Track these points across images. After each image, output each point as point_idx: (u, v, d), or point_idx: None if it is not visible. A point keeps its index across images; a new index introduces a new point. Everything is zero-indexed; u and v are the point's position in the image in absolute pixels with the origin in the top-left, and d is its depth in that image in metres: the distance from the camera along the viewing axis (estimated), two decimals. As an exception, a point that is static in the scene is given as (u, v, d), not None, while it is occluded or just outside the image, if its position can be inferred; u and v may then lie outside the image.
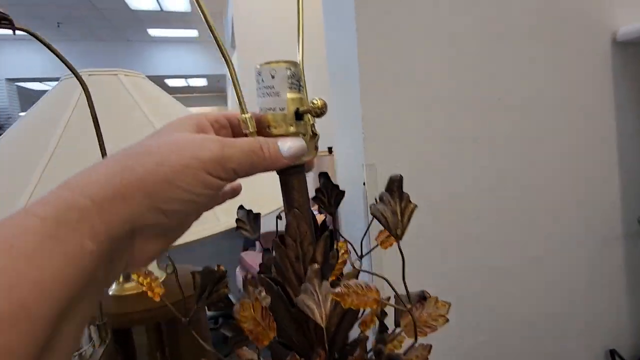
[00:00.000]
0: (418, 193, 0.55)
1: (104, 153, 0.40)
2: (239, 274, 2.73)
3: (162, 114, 0.59)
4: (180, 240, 0.45)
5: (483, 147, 0.57)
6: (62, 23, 5.55)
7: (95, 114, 0.39)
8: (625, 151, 0.64)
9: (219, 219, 0.49)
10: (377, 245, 0.36)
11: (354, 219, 0.56)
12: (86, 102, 0.56)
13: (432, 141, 0.55)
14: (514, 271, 0.61)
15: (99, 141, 0.40)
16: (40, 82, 7.03)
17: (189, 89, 9.55)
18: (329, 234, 0.32)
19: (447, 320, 0.27)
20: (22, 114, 7.02)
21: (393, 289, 0.27)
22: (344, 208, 0.60)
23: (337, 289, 0.26)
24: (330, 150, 2.06)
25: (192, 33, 6.45)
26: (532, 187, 0.61)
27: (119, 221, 0.18)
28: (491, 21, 0.55)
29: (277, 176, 0.30)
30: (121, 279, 0.68)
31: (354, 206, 0.57)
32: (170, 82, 8.17)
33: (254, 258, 2.73)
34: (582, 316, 0.66)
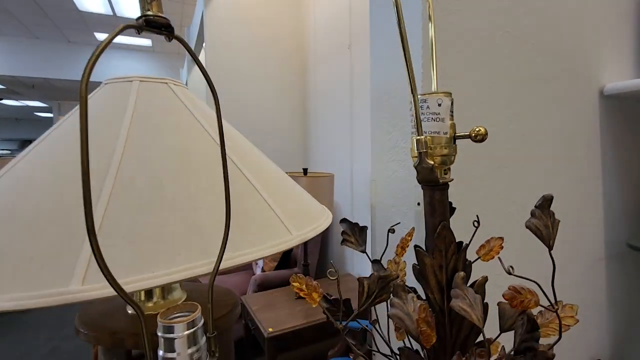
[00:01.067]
0: (458, 213, 0.61)
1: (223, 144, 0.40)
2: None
3: (206, 117, 0.60)
4: (266, 253, 0.45)
5: (510, 175, 0.65)
6: (-8, 15, 4.97)
7: (221, 118, 0.39)
8: (609, 185, 0.78)
9: (291, 233, 0.50)
10: (477, 259, 0.41)
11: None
12: (142, 108, 0.54)
13: (473, 168, 0.62)
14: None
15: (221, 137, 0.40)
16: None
17: (133, 99, 8.96)
18: (465, 247, 0.35)
19: (577, 320, 0.32)
20: None
21: (544, 293, 0.32)
22: (380, 218, 0.65)
23: (505, 292, 0.30)
24: (305, 171, 2.09)
25: (146, 42, 6.18)
26: (525, 211, 0.70)
27: None
28: (522, 67, 0.65)
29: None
30: (142, 297, 0.64)
31: (405, 225, 0.61)
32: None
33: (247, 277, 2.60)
34: (571, 330, 0.76)
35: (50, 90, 7.62)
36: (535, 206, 0.31)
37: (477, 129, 0.32)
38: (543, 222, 0.30)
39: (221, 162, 0.55)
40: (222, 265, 0.40)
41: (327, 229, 2.83)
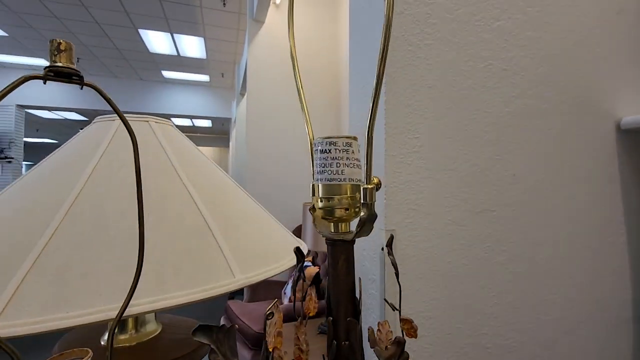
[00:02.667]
0: (433, 262, 0.55)
1: (140, 194, 0.40)
2: (223, 323, 2.59)
3: (185, 162, 0.61)
4: (196, 297, 0.44)
5: (498, 220, 0.58)
6: (82, 58, 5.82)
7: (139, 162, 0.39)
8: (636, 231, 0.65)
9: (234, 276, 0.48)
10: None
11: (368, 281, 0.56)
12: (114, 146, 0.58)
13: (451, 211, 0.56)
14: (527, 351, 0.59)
15: (137, 185, 0.41)
16: (48, 110, 7.19)
17: (193, 129, 9.79)
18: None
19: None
20: (25, 139, 7.09)
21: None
22: (361, 270, 0.60)
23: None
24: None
25: (204, 78, 6.77)
26: (543, 264, 0.61)
27: None
28: (509, 100, 0.59)
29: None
30: (115, 330, 0.65)
31: (369, 268, 0.56)
32: (176, 121, 8.39)
33: (240, 307, 2.61)
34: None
35: (124, 122, 8.56)
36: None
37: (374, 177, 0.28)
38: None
39: (180, 197, 0.56)
40: (140, 310, 0.40)
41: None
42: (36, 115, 7.79)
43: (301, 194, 2.84)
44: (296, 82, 0.30)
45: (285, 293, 2.62)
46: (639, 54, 0.67)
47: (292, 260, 0.59)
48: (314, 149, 0.30)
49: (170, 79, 6.91)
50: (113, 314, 0.38)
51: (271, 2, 2.68)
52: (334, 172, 0.28)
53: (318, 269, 2.49)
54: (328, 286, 0.28)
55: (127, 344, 0.60)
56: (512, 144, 0.60)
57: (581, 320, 0.63)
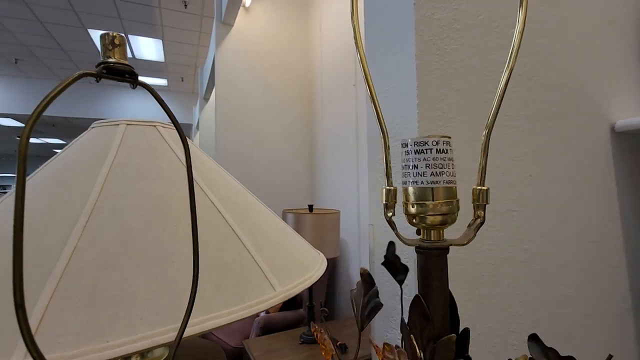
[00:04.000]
0: (462, 263, 0.56)
1: (192, 199, 0.37)
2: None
3: (199, 167, 0.57)
4: (242, 315, 0.41)
5: (519, 220, 0.60)
6: (20, 60, 5.31)
7: (190, 164, 0.36)
8: (631, 228, 0.71)
9: (274, 289, 0.46)
10: None
11: (402, 286, 0.55)
12: (125, 153, 0.52)
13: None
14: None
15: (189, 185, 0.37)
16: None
17: (148, 135, 9.29)
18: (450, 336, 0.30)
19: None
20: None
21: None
22: (378, 265, 0.59)
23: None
24: (310, 207, 2.05)
25: (162, 82, 6.46)
26: (557, 261, 0.64)
27: None
28: (525, 104, 0.62)
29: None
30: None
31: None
32: (130, 127, 7.92)
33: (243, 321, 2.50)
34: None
35: (69, 129, 7.94)
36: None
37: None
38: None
39: (204, 208, 0.51)
40: (189, 333, 0.36)
41: (335, 266, 2.73)
42: (-36, 122, 6.97)
43: (279, 199, 2.79)
44: (363, 70, 0.29)
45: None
46: (630, 60, 0.74)
47: (320, 269, 0.57)
48: (404, 149, 0.29)
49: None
50: (162, 338, 0.34)
51: (241, 5, 2.62)
52: (432, 175, 0.27)
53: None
54: (415, 300, 0.27)
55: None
56: (529, 146, 0.63)
57: (590, 313, 0.67)
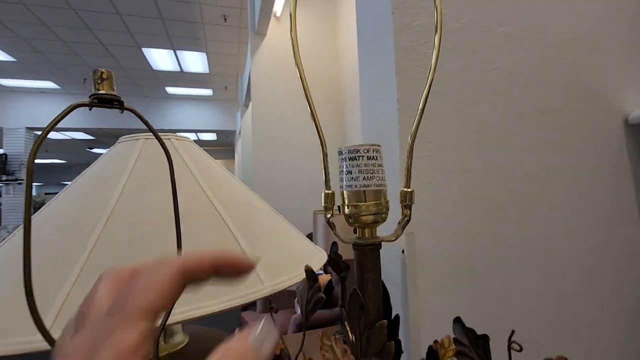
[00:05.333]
0: (454, 259, 0.57)
1: (176, 211, 0.42)
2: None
3: (207, 176, 0.63)
4: (229, 304, 0.46)
5: (513, 218, 0.60)
6: (88, 79, 5.94)
7: (174, 178, 0.42)
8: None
9: (262, 282, 0.50)
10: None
11: (390, 283, 0.57)
12: (142, 165, 0.60)
13: (466, 211, 0.58)
14: (552, 345, 0.60)
15: (174, 200, 0.43)
16: (57, 131, 7.33)
17: (198, 143, 9.89)
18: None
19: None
20: (36, 160, 7.22)
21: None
22: (383, 273, 0.61)
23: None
24: (340, 209, 2.08)
25: (207, 92, 6.87)
26: (560, 258, 0.62)
27: None
28: (517, 101, 0.61)
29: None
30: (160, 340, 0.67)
31: (390, 270, 0.58)
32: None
33: (253, 317, 2.62)
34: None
35: (130, 139, 8.70)
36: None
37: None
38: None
39: (204, 207, 0.58)
40: (177, 319, 0.42)
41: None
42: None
43: (310, 201, 2.86)
44: (305, 91, 0.33)
45: (298, 303, 2.62)
46: (642, 49, 0.69)
47: (317, 265, 0.61)
48: (340, 157, 0.32)
49: (173, 95, 7.01)
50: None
51: (272, 15, 2.73)
52: (364, 179, 0.30)
53: (330, 277, 2.50)
54: (353, 292, 0.30)
55: (163, 353, 0.62)
56: (524, 143, 0.61)
57: (601, 312, 0.64)
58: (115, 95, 0.35)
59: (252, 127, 2.85)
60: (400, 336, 0.56)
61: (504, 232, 0.59)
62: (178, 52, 5.11)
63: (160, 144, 0.43)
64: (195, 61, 5.44)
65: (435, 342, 0.31)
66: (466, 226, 0.58)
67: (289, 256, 0.59)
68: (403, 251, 0.55)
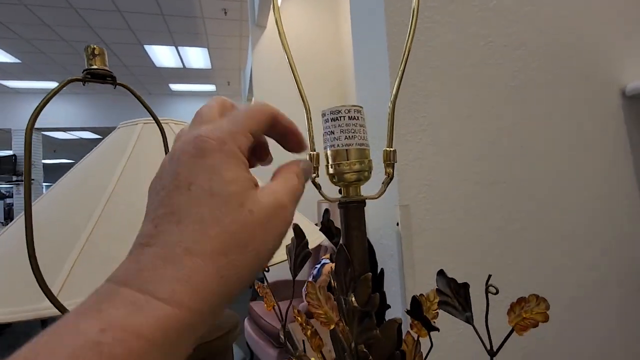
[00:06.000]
0: (449, 234, 0.58)
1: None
2: (247, 324, 2.63)
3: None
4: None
5: (509, 190, 0.60)
6: (92, 78, 5.99)
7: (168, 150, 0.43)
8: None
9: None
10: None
11: (387, 257, 0.58)
12: (140, 147, 0.62)
13: (461, 183, 0.59)
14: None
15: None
16: (64, 131, 7.42)
17: (203, 139, 9.94)
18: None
19: (547, 317, 0.27)
20: (44, 161, 7.35)
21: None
22: (379, 248, 0.62)
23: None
24: (344, 197, 2.09)
25: (210, 88, 6.88)
26: (558, 230, 0.63)
27: (220, 307, 0.17)
28: (513, 75, 0.61)
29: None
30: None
31: (386, 244, 0.59)
32: (186, 132, 8.55)
33: (262, 308, 2.66)
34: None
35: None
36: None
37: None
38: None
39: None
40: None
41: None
42: (52, 137, 8.04)
43: (313, 192, 2.86)
44: (290, 65, 0.33)
45: (305, 292, 2.65)
46: None
47: (314, 243, 0.62)
48: (323, 119, 0.33)
49: (177, 92, 7.04)
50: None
51: (271, 6, 2.72)
52: (345, 138, 0.31)
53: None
54: (339, 248, 0.31)
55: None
56: (519, 116, 0.62)
57: (600, 283, 0.64)
58: (107, 71, 0.36)
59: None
60: (397, 309, 0.57)
61: (499, 204, 0.60)
62: (180, 48, 5.12)
63: (156, 122, 0.44)
64: (197, 57, 5.45)
65: (421, 295, 0.32)
66: (461, 199, 0.58)
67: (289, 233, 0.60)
68: (398, 224, 0.56)
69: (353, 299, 0.27)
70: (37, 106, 0.32)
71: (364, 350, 0.25)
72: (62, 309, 0.34)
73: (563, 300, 0.62)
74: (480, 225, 0.59)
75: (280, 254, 0.55)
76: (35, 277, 0.31)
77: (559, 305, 0.62)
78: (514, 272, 0.60)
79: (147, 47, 5.01)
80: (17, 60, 5.16)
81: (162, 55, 5.33)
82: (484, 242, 0.59)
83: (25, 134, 0.32)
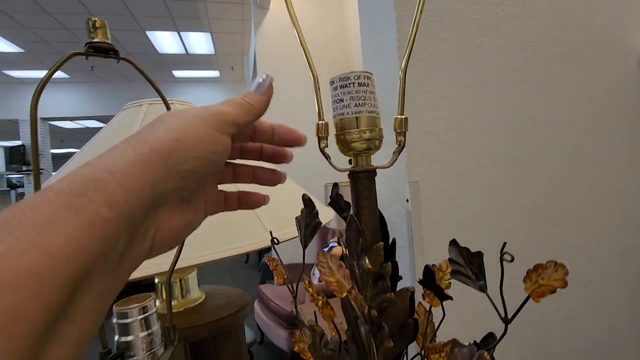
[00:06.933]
0: (458, 210, 0.57)
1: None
2: (257, 306, 2.68)
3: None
4: (230, 252, 0.48)
5: (520, 165, 0.59)
6: (95, 66, 5.97)
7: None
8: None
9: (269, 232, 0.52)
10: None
11: (396, 234, 0.58)
12: (147, 127, 0.62)
13: (471, 159, 0.57)
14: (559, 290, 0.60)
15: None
16: (71, 120, 7.46)
17: (208, 126, 9.94)
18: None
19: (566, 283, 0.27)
20: (52, 150, 7.42)
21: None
22: (389, 225, 0.62)
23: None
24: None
25: (214, 74, 6.82)
26: (571, 208, 0.61)
27: (138, 187, 0.18)
28: (524, 45, 0.59)
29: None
30: (164, 296, 0.70)
31: (395, 221, 0.58)
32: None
33: (272, 290, 2.69)
34: (626, 334, 0.64)
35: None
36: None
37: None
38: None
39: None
40: (188, 263, 0.43)
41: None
42: (59, 127, 8.10)
43: (320, 177, 2.86)
44: (290, 16, 0.32)
45: (314, 274, 2.68)
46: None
47: (323, 219, 0.62)
48: (332, 87, 0.32)
49: (181, 78, 7.00)
50: (166, 267, 0.42)
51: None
52: (355, 106, 0.30)
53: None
54: (350, 219, 0.30)
55: (175, 310, 0.65)
56: (531, 89, 0.60)
57: (613, 262, 0.64)
58: (110, 44, 0.36)
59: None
60: (407, 285, 0.57)
61: (510, 180, 0.59)
62: (182, 33, 5.06)
63: (161, 97, 0.44)
64: (200, 42, 5.39)
65: (434, 265, 0.32)
66: (470, 175, 0.57)
67: (298, 210, 0.60)
68: (408, 200, 0.55)
69: (367, 261, 0.27)
70: (41, 80, 0.32)
71: (376, 315, 0.25)
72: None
73: (576, 277, 0.62)
74: (490, 201, 0.58)
75: (291, 231, 0.55)
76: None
77: (571, 283, 0.61)
78: (524, 249, 0.59)
79: (149, 33, 4.96)
80: (21, 50, 5.15)
81: (165, 42, 5.28)
82: (494, 218, 0.58)
83: (31, 109, 0.31)
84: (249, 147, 0.28)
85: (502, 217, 0.59)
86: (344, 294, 0.27)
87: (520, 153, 0.59)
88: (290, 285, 0.34)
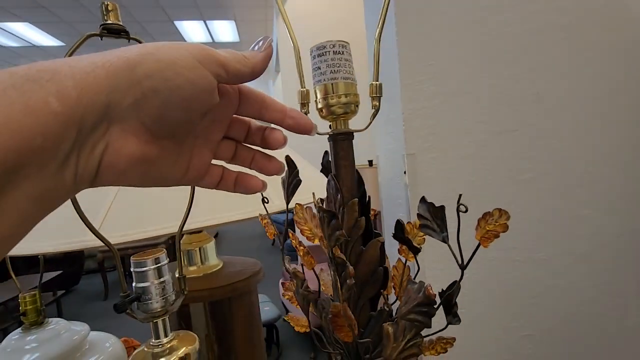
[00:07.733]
0: (456, 183, 0.58)
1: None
2: (281, 285, 2.78)
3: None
4: (240, 217, 0.52)
5: (521, 139, 0.59)
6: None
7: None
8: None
9: (273, 202, 0.56)
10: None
11: (395, 205, 0.60)
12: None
13: (470, 133, 0.58)
14: (558, 266, 0.61)
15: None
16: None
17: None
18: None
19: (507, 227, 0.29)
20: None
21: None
22: (385, 195, 0.64)
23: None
24: (370, 163, 2.10)
25: (240, 61, 6.93)
26: (574, 180, 0.61)
27: (93, 89, 0.17)
28: (529, 17, 0.58)
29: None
30: (185, 262, 0.77)
31: (395, 193, 0.61)
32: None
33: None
34: (634, 310, 0.63)
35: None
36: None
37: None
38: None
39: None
40: (197, 225, 0.48)
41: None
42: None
43: (318, 156, 2.88)
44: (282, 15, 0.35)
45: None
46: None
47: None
48: (311, 56, 0.34)
49: (208, 67, 7.16)
50: (170, 229, 0.48)
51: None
52: (331, 72, 0.33)
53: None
54: (329, 178, 0.33)
55: (195, 275, 0.72)
56: (534, 62, 0.59)
57: (619, 234, 0.63)
58: (121, 26, 0.40)
59: (282, 92, 2.88)
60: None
61: (510, 153, 0.59)
62: (208, 22, 5.16)
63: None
64: (225, 30, 5.48)
65: (408, 222, 0.34)
66: (468, 147, 0.58)
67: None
68: (405, 172, 0.57)
69: (319, 201, 0.30)
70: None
71: (340, 255, 0.29)
72: (103, 239, 0.40)
73: (579, 249, 0.62)
74: (488, 174, 0.59)
75: (278, 204, 0.59)
76: (78, 214, 0.37)
77: (573, 255, 0.61)
78: (523, 221, 0.60)
79: (177, 23, 5.10)
80: (62, 43, 5.45)
81: (192, 31, 5.41)
82: (492, 191, 0.59)
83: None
84: (252, 129, 0.27)
85: (501, 190, 0.59)
86: (316, 241, 0.30)
87: (521, 127, 0.59)
88: (279, 238, 0.37)
